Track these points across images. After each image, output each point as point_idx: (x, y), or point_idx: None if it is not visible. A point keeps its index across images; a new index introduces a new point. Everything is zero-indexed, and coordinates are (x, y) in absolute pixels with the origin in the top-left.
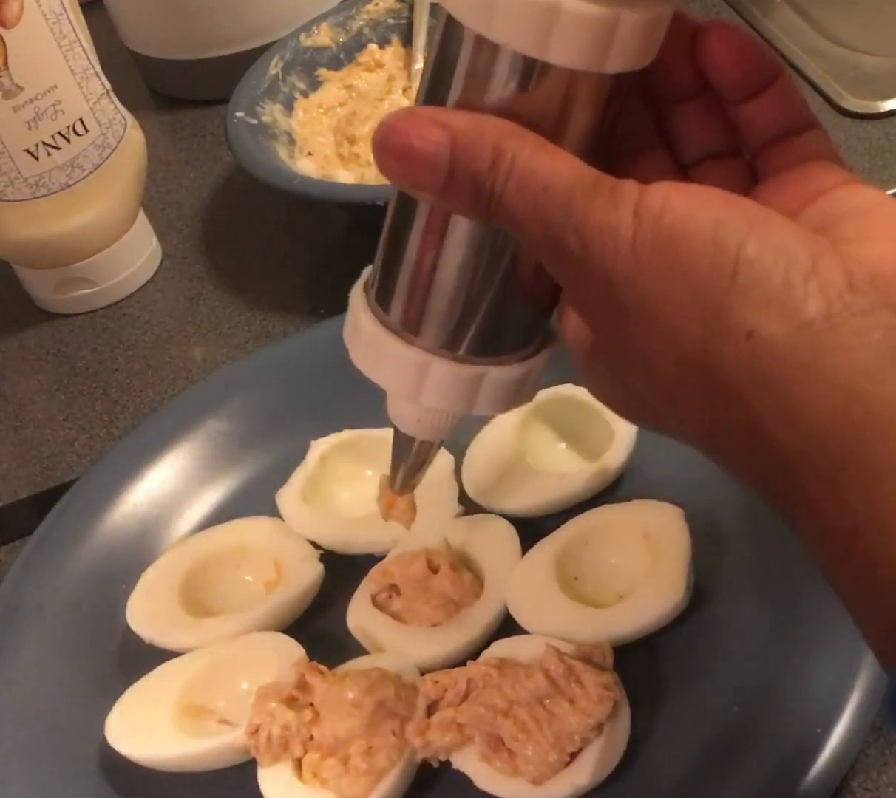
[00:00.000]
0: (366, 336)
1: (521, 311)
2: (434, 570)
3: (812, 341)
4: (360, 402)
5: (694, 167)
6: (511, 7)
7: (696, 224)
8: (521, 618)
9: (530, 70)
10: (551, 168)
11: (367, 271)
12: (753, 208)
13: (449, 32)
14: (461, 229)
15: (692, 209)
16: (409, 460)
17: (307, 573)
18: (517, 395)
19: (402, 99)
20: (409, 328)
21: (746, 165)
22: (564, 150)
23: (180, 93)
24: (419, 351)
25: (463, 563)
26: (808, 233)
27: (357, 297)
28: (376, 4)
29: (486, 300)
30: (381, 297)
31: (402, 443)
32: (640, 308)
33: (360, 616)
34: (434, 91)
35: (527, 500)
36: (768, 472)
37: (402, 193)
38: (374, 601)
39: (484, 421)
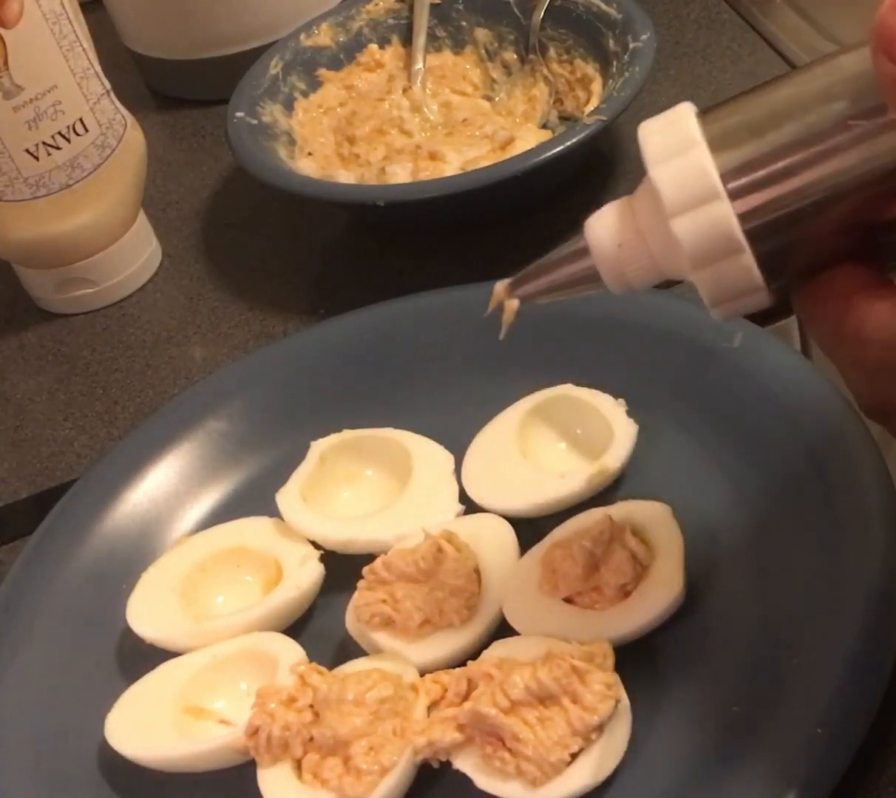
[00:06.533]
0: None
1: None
2: (439, 559)
3: None
4: (360, 402)
5: None
6: None
7: None
8: (516, 623)
9: None
10: None
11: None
12: None
13: None
14: (881, 146)
15: None
16: (559, 278)
17: (307, 573)
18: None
19: (402, 99)
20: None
21: None
22: None
23: (180, 93)
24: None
25: (469, 556)
26: None
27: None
28: (376, 4)
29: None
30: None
31: (569, 260)
32: None
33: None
34: None
35: (527, 500)
36: None
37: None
38: (369, 623)
39: (483, 421)
